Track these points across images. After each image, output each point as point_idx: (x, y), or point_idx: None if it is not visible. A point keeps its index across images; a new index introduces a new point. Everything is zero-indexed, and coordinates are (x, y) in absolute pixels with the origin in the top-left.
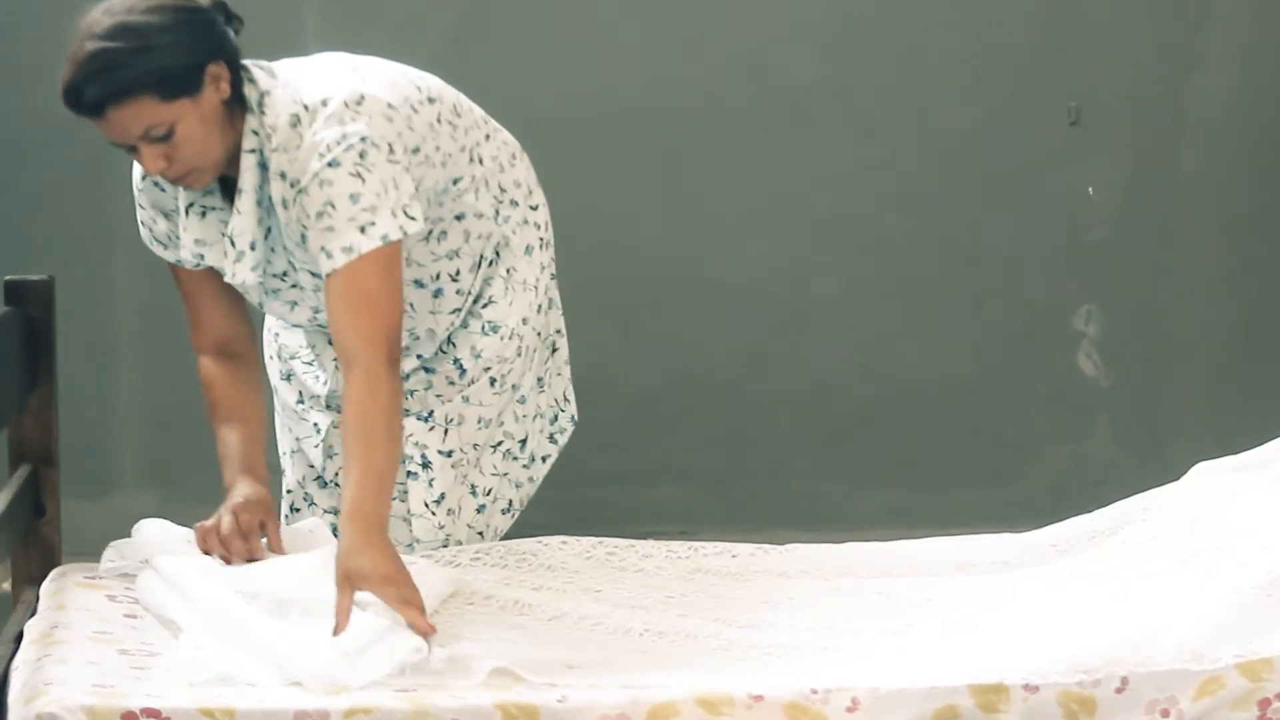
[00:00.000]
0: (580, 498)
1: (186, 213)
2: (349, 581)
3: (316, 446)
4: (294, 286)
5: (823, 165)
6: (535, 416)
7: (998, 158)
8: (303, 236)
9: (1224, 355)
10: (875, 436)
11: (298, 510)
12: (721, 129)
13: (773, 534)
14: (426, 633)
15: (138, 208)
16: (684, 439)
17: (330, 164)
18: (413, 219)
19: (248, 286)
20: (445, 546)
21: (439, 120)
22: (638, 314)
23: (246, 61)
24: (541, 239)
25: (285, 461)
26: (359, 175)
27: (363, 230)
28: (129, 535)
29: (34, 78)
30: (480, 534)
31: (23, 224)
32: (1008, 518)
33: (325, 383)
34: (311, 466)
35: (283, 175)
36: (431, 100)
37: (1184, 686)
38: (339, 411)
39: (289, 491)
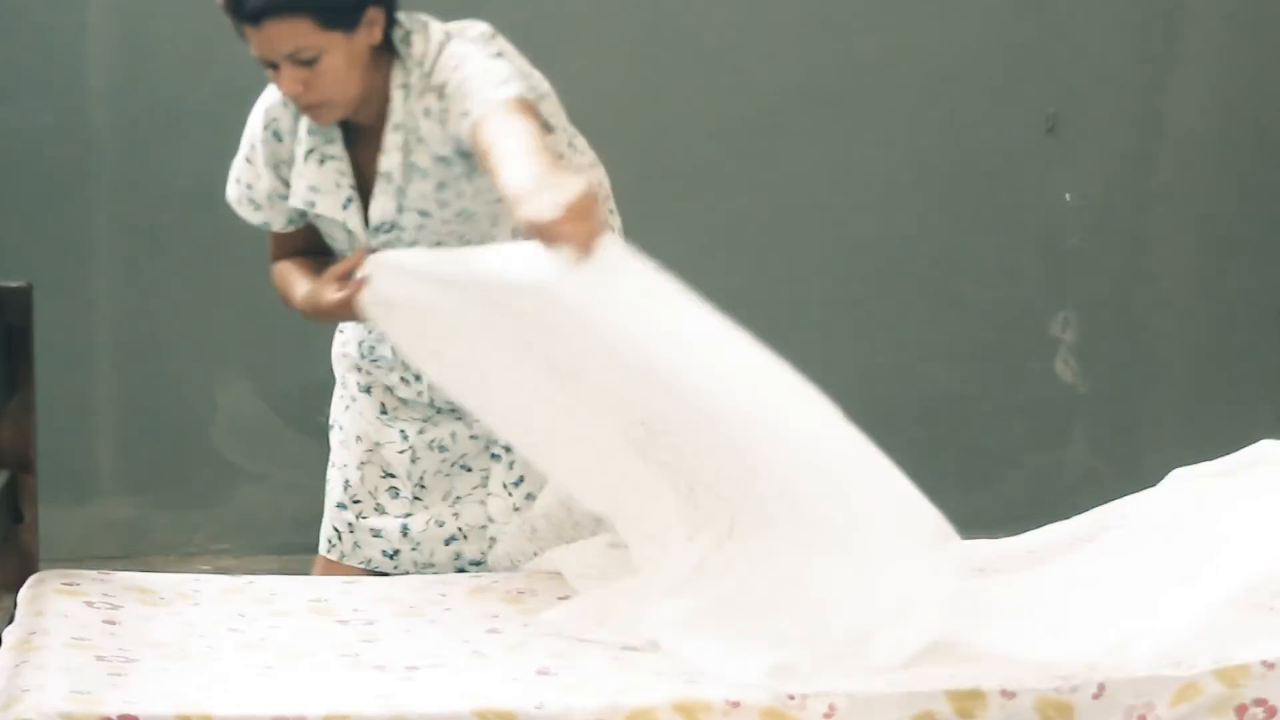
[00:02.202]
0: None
1: (305, 159)
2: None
3: (402, 453)
4: (395, 231)
5: (800, 171)
6: None
7: (975, 165)
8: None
9: (1201, 362)
10: None
11: (365, 519)
12: (698, 134)
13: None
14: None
15: (243, 164)
16: None
17: (468, 50)
18: (545, 95)
19: (356, 233)
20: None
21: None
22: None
23: (400, 15)
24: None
25: (350, 473)
26: (498, 55)
27: (504, 82)
28: (107, 542)
29: (12, 86)
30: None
31: (1, 231)
32: (985, 524)
33: (418, 387)
34: (385, 476)
35: (427, 91)
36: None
37: (1161, 692)
38: (439, 412)
39: (356, 501)
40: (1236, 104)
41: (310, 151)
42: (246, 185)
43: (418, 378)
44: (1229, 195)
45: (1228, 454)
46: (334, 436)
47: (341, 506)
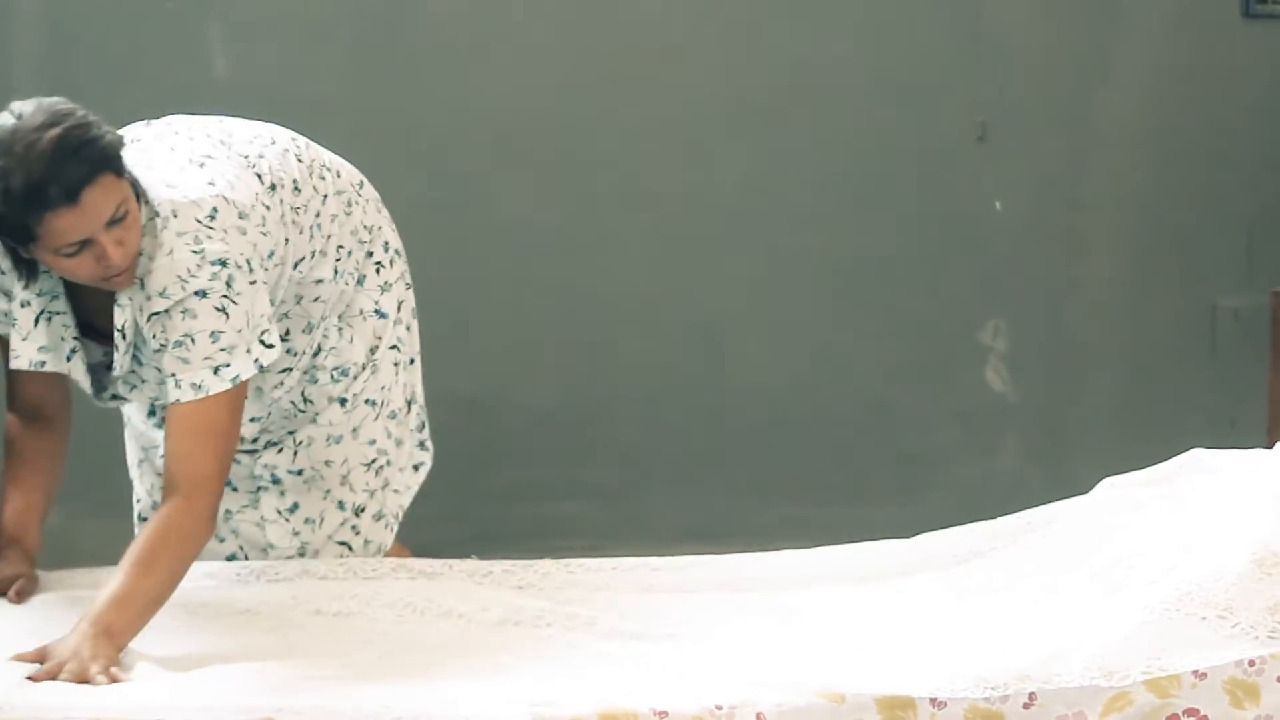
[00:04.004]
0: (486, 514)
1: (36, 322)
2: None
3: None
4: (138, 384)
5: (729, 180)
6: (409, 429)
7: (905, 173)
8: (159, 346)
9: (1131, 370)
10: (782, 452)
11: (145, 520)
12: (629, 144)
13: (679, 549)
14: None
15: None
16: (590, 454)
17: (196, 293)
18: (269, 346)
19: (82, 384)
20: (302, 554)
21: (285, 212)
22: (543, 328)
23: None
24: (379, 262)
25: (134, 473)
26: (223, 310)
27: (216, 371)
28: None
29: None
30: (348, 545)
31: None
32: (916, 533)
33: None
34: (160, 475)
35: (141, 284)
36: (274, 188)
37: (1092, 703)
38: None
39: (138, 501)
40: (1166, 112)
41: (41, 314)
42: None
43: None
44: (1159, 204)
45: (1158, 462)
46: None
47: (139, 501)
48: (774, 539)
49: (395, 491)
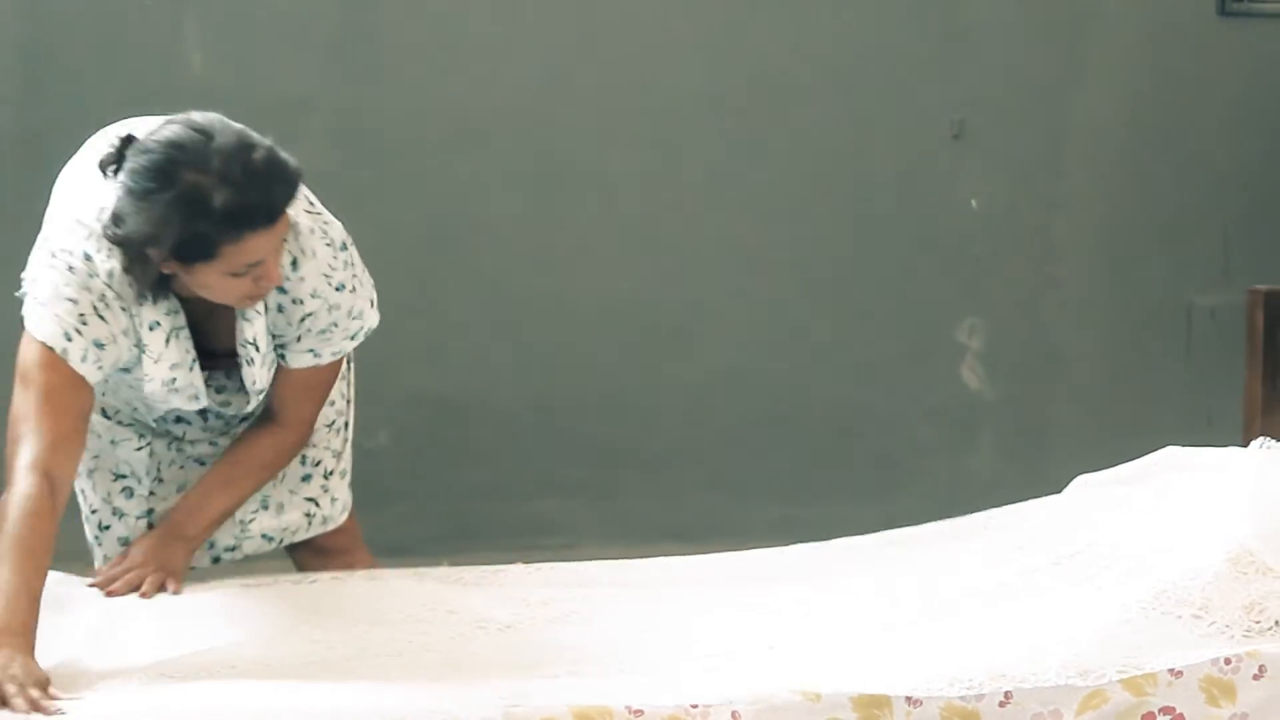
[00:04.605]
0: (461, 511)
1: (167, 341)
2: None
3: (139, 450)
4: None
5: (703, 178)
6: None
7: (881, 171)
8: (299, 335)
9: (1107, 368)
10: (758, 450)
11: (108, 528)
12: (599, 140)
13: (654, 548)
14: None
15: (89, 317)
16: (565, 453)
17: (337, 288)
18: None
19: (201, 399)
20: (265, 507)
21: None
22: (517, 327)
23: None
24: None
25: (83, 483)
26: (354, 289)
27: (352, 338)
28: None
29: None
30: (315, 502)
31: None
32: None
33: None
34: (117, 478)
35: (282, 290)
36: None
37: (1068, 701)
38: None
39: (94, 511)
40: (1143, 111)
41: (170, 333)
42: (95, 343)
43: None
44: (1135, 202)
45: (1134, 459)
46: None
47: (86, 519)
48: (750, 537)
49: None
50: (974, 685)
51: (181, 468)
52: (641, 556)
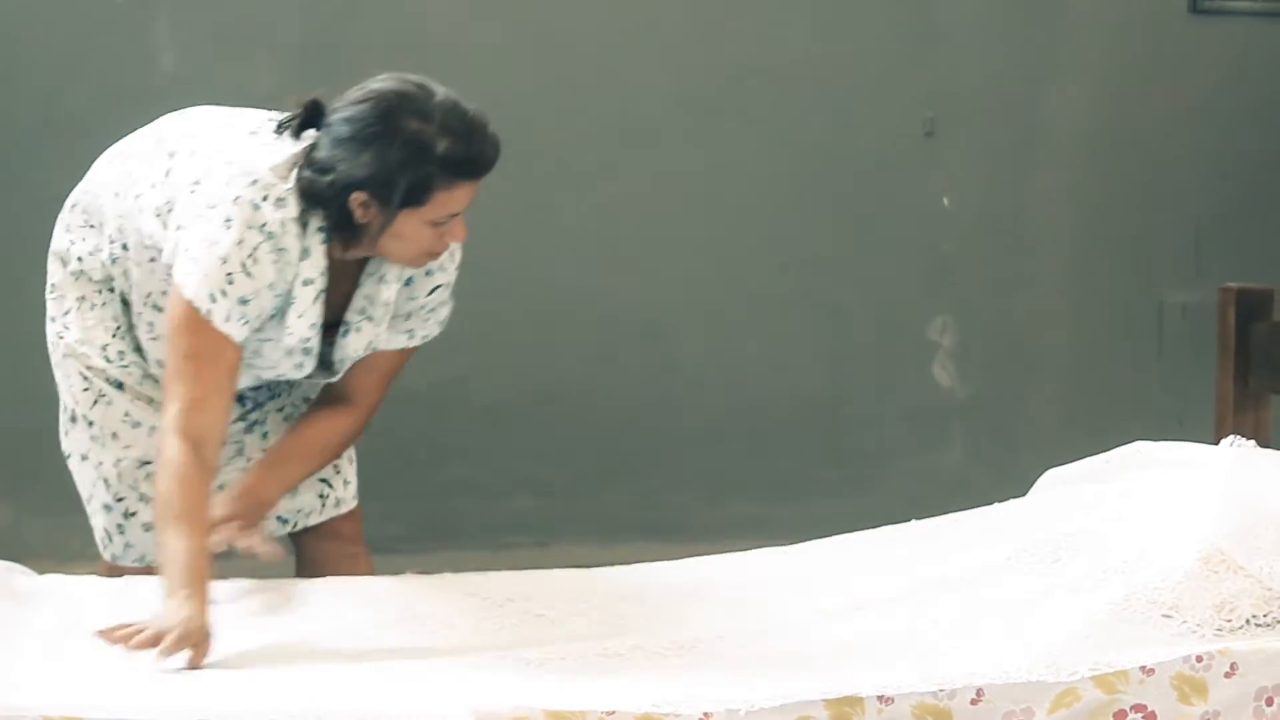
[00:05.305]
0: (434, 509)
1: (315, 299)
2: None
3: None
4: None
5: (676, 175)
6: None
7: (853, 168)
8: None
9: (1078, 366)
10: (730, 447)
11: (134, 514)
12: (574, 137)
13: (628, 545)
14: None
15: (239, 279)
16: (538, 450)
17: (457, 267)
18: None
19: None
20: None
21: None
22: (490, 324)
23: None
24: None
25: (109, 472)
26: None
27: (440, 322)
28: None
29: None
30: (328, 483)
31: None
32: (862, 528)
33: None
34: (143, 465)
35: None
36: None
37: (1040, 699)
38: None
39: (120, 499)
40: (1114, 109)
41: (320, 290)
42: (240, 300)
43: None
44: (1106, 200)
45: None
46: (80, 432)
47: (108, 508)
48: (723, 534)
49: None
50: (946, 683)
51: None
52: (615, 553)
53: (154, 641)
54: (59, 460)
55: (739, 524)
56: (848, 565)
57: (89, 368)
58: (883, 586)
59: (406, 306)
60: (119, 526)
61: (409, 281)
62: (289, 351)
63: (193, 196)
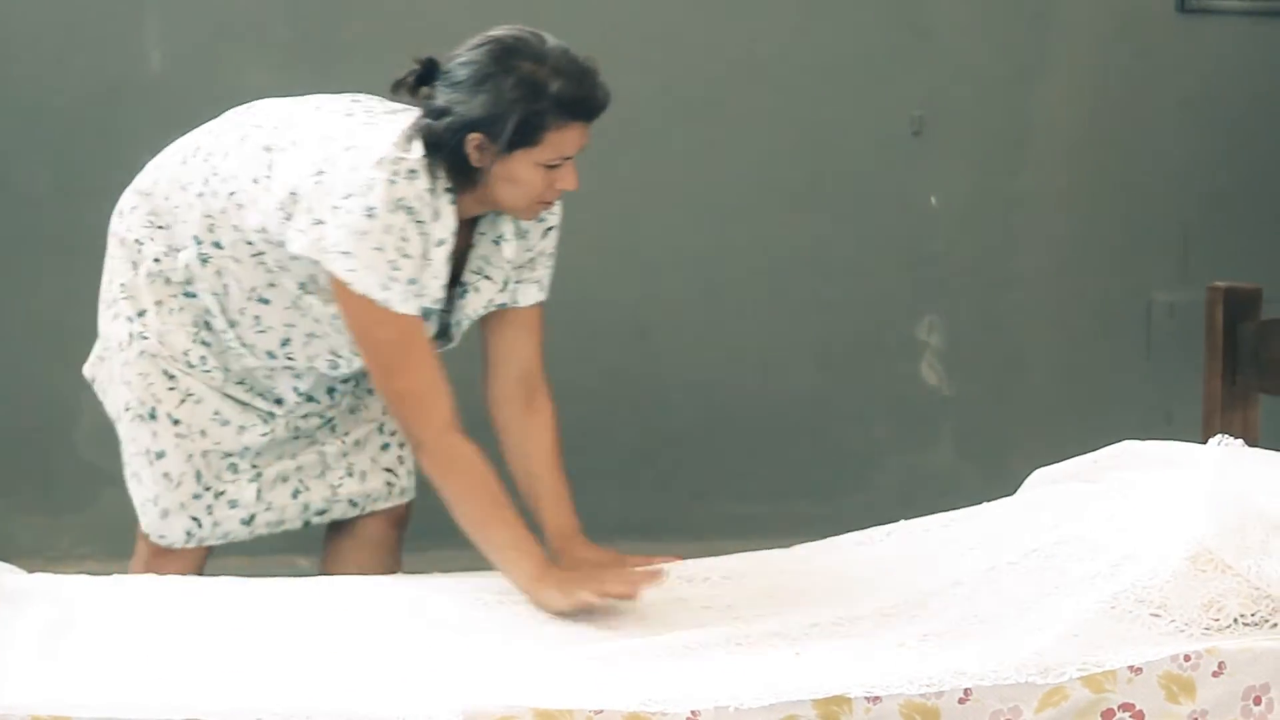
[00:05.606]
0: (422, 508)
1: (448, 259)
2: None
3: (264, 435)
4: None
5: (663, 173)
6: None
7: (841, 167)
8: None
9: (1066, 365)
10: (717, 447)
11: (222, 493)
12: None
13: (613, 544)
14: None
15: (396, 261)
16: None
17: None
18: None
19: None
20: (350, 474)
21: None
22: (475, 322)
23: None
24: None
25: (200, 463)
26: None
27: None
28: None
29: None
30: (394, 472)
31: None
32: (851, 528)
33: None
34: (225, 456)
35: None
36: None
37: (1028, 698)
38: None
39: (208, 489)
40: (1102, 109)
41: (450, 250)
42: (409, 281)
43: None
44: (1094, 199)
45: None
46: (161, 428)
47: (198, 496)
48: (709, 533)
49: None
50: (934, 683)
51: (293, 439)
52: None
53: None
54: (45, 460)
55: (725, 523)
56: (832, 567)
57: (173, 367)
58: (869, 587)
59: (524, 257)
60: (208, 509)
61: (524, 235)
62: (433, 314)
63: (319, 187)
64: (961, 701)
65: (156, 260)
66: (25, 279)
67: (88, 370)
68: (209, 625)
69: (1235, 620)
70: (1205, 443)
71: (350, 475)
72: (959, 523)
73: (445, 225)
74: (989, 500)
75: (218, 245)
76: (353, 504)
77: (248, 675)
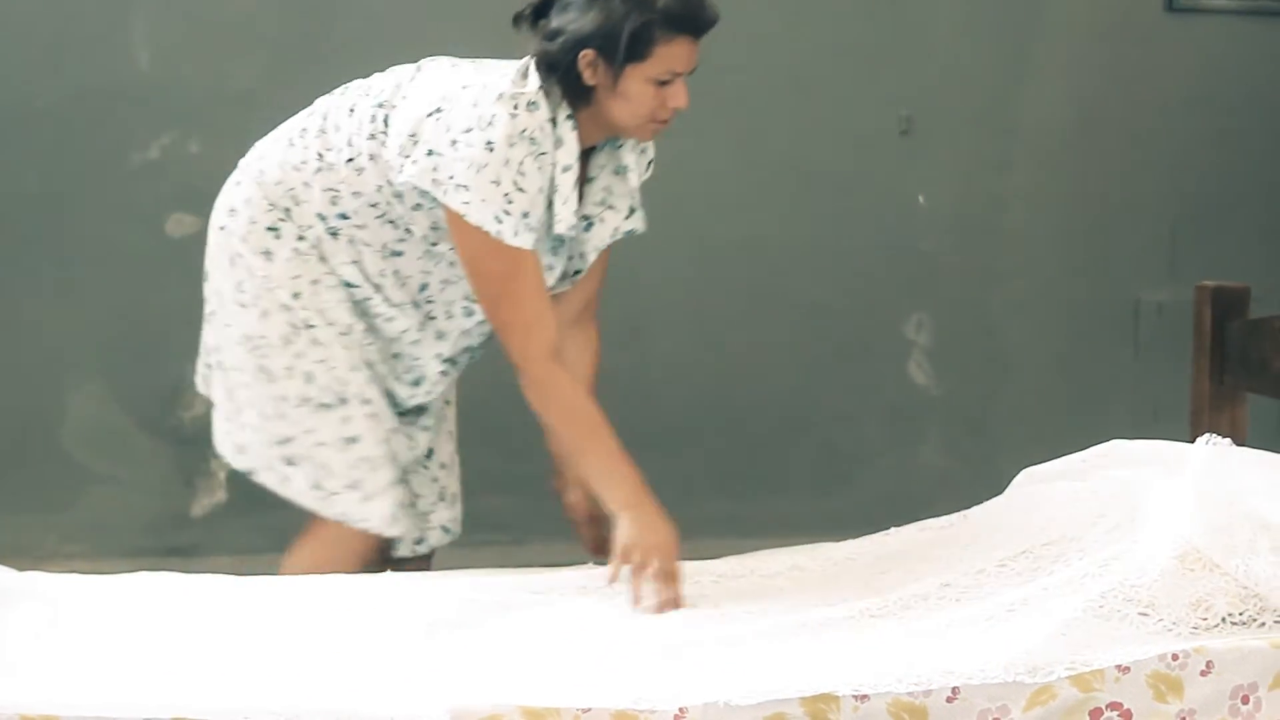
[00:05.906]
0: None
1: (574, 187)
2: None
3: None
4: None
5: (653, 173)
6: None
7: (830, 166)
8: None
9: (1054, 364)
10: (706, 444)
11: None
12: None
13: None
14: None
15: (513, 195)
16: (512, 447)
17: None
18: None
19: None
20: (442, 498)
21: None
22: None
23: None
24: None
25: (395, 443)
26: None
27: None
28: None
29: None
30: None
31: None
32: (839, 526)
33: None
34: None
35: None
36: None
37: (1015, 697)
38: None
39: (395, 457)
40: (1090, 107)
41: (576, 176)
42: (523, 214)
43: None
44: (1082, 198)
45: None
46: (356, 412)
47: (403, 482)
48: (697, 532)
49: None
50: (921, 681)
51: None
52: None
53: (668, 576)
54: (32, 459)
55: (714, 522)
56: (822, 569)
57: (346, 348)
58: (857, 588)
59: (637, 181)
60: (355, 483)
61: (623, 171)
62: (553, 250)
63: (439, 123)
64: (949, 700)
65: (300, 238)
66: (13, 280)
67: (201, 384)
68: (197, 624)
69: (1223, 619)
70: (1193, 441)
71: (442, 500)
72: (949, 525)
73: (569, 151)
74: (977, 498)
75: (343, 216)
76: (445, 530)
77: (236, 674)
